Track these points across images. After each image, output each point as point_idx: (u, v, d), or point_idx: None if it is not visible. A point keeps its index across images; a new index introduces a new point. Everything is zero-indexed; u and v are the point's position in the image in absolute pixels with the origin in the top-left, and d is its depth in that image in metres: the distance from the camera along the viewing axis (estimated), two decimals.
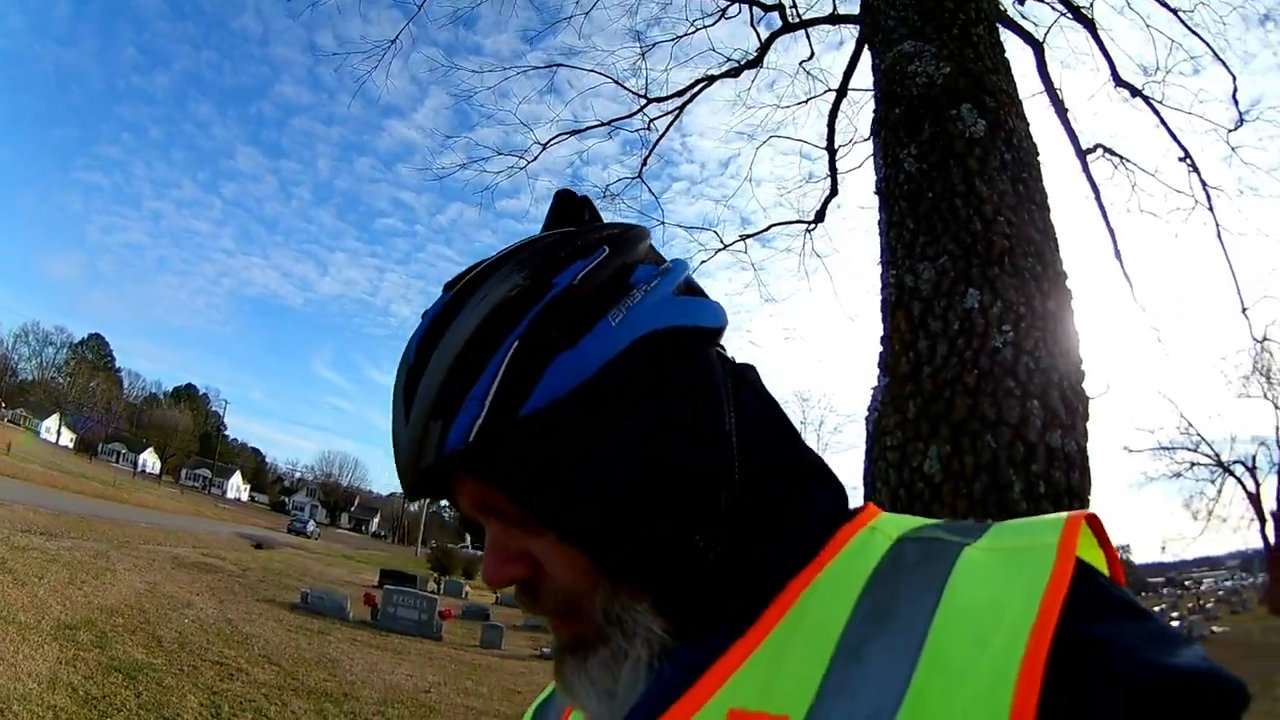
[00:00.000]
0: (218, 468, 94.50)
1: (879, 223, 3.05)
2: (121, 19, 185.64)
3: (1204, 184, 6.12)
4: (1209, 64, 6.61)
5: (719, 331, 0.62)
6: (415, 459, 0.55)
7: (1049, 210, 2.75)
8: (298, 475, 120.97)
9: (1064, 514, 0.49)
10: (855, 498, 0.61)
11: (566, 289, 0.55)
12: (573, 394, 0.52)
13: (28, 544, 12.38)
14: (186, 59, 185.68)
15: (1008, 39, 3.84)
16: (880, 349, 2.71)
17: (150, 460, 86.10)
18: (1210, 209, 6.07)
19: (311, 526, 59.10)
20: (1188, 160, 6.04)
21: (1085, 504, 2.19)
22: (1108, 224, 6.04)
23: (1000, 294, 2.33)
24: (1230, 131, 6.54)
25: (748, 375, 0.63)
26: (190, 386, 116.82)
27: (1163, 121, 5.98)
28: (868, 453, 2.50)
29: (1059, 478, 2.13)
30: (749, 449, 0.57)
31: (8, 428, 58.80)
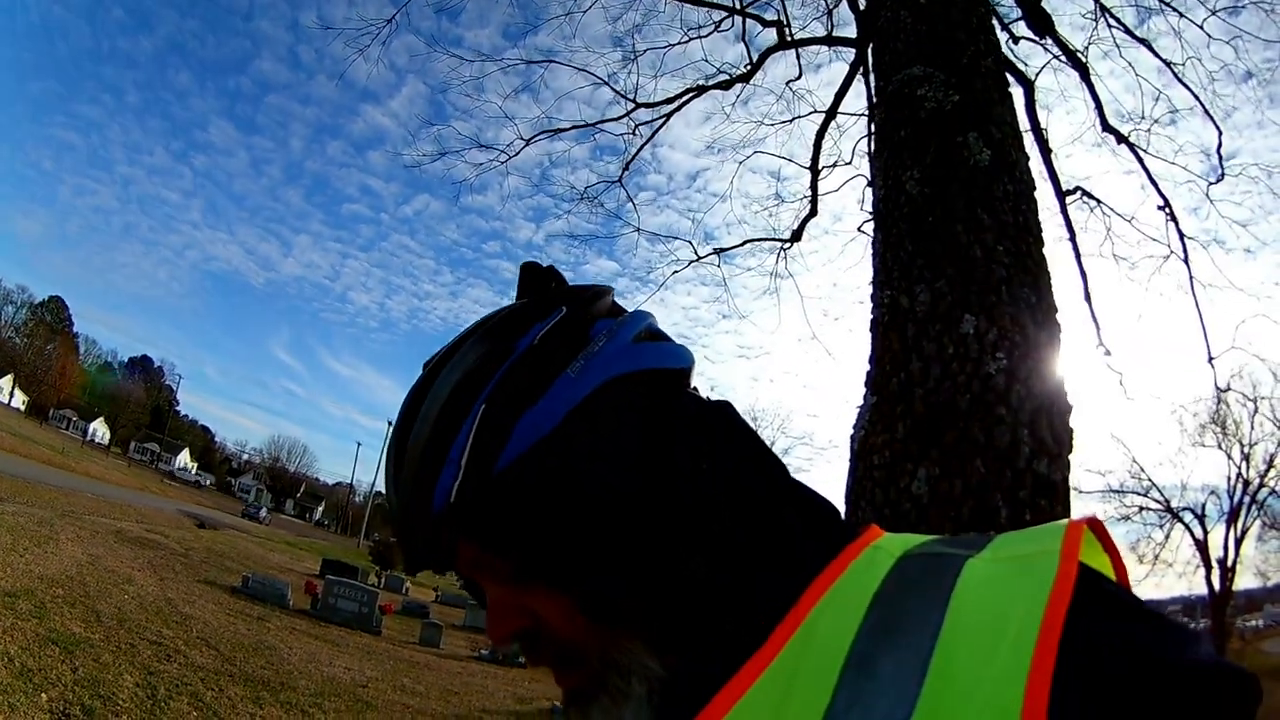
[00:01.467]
0: (167, 443, 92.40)
1: (873, 242, 3.06)
2: None
3: (1180, 234, 6.25)
4: (1187, 117, 6.79)
5: (684, 372, 0.65)
6: (409, 525, 0.58)
7: (1043, 244, 2.78)
8: (245, 457, 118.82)
9: (1065, 520, 0.49)
10: None
11: (527, 350, 0.59)
12: (539, 446, 0.55)
13: None
14: (171, 25, 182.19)
15: None
16: (868, 368, 2.70)
17: (100, 430, 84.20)
18: (1185, 259, 6.19)
19: (263, 513, 59.57)
20: (1166, 209, 6.17)
21: None
22: (1080, 266, 6.16)
23: (996, 321, 2.34)
24: (1211, 185, 6.71)
25: (723, 411, 0.64)
26: (146, 358, 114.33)
27: (1145, 169, 6.12)
28: (852, 470, 2.49)
29: (1044, 506, 2.13)
30: (729, 481, 0.58)
31: None
